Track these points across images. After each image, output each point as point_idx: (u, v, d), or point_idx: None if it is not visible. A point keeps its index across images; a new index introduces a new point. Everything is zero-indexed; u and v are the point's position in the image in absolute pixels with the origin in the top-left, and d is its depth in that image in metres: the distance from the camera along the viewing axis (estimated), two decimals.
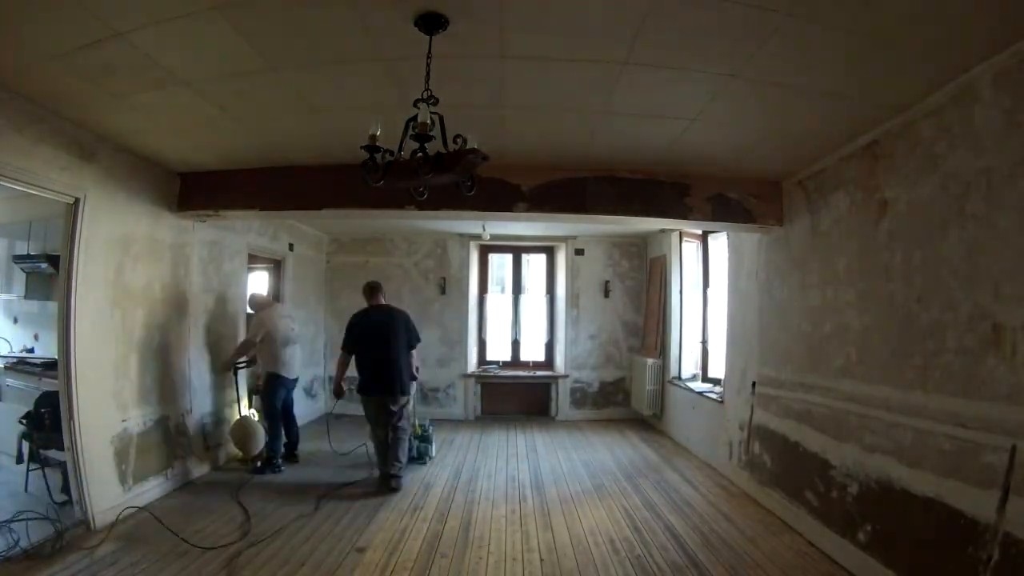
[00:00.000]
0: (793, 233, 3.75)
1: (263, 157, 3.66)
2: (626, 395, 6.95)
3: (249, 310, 4.97)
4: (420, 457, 4.88)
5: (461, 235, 7.00)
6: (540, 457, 5.16)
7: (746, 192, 3.86)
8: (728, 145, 3.26)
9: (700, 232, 5.73)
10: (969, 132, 2.26)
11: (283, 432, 4.64)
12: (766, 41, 2.06)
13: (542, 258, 7.48)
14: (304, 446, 5.03)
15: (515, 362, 7.31)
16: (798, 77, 2.34)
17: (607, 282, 7.05)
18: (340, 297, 7.15)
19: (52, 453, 3.53)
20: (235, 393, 4.73)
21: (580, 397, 6.98)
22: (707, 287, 5.75)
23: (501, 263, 7.66)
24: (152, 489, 3.71)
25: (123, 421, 3.51)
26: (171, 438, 3.99)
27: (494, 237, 6.77)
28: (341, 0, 1.89)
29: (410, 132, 1.99)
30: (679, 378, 5.93)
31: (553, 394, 7.00)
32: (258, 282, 6.43)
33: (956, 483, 2.23)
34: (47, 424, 3.50)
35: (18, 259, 4.82)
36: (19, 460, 3.67)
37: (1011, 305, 2.04)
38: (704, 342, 5.77)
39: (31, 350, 4.99)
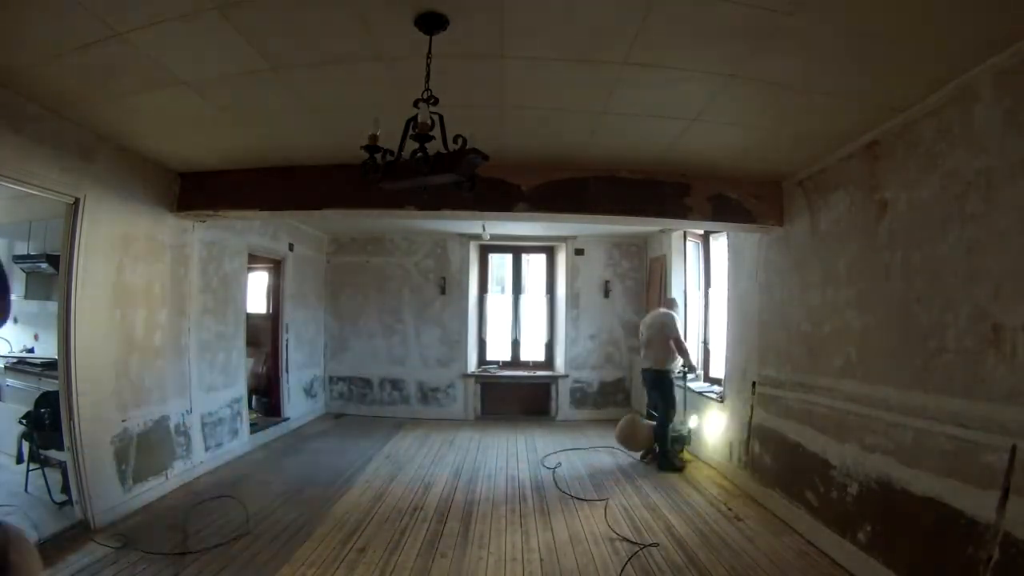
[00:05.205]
0: (793, 233, 3.75)
1: (263, 157, 3.66)
2: (626, 395, 6.95)
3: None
4: None
5: (461, 235, 7.00)
6: (540, 457, 5.16)
7: (746, 192, 3.86)
8: (728, 145, 3.25)
9: (702, 231, 5.73)
10: (969, 132, 2.25)
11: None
12: (766, 41, 2.06)
13: (542, 258, 7.48)
14: (306, 446, 5.03)
15: (515, 362, 7.32)
16: (798, 77, 2.34)
17: (607, 282, 7.06)
18: (340, 297, 7.17)
19: (52, 453, 3.53)
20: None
21: (580, 397, 6.98)
22: (708, 287, 5.75)
23: (501, 263, 7.67)
24: (152, 489, 3.71)
25: (123, 421, 3.51)
26: (171, 438, 3.99)
27: (494, 237, 6.78)
28: (341, 0, 1.89)
29: (410, 132, 1.99)
30: (680, 378, 5.91)
31: (553, 394, 7.00)
32: (258, 282, 6.44)
33: (956, 483, 2.23)
34: (47, 424, 3.50)
35: (18, 259, 4.83)
36: (19, 460, 3.68)
37: (1011, 305, 2.04)
38: (705, 342, 5.77)
39: (31, 350, 4.99)
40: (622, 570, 2.89)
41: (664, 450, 4.75)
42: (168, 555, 2.88)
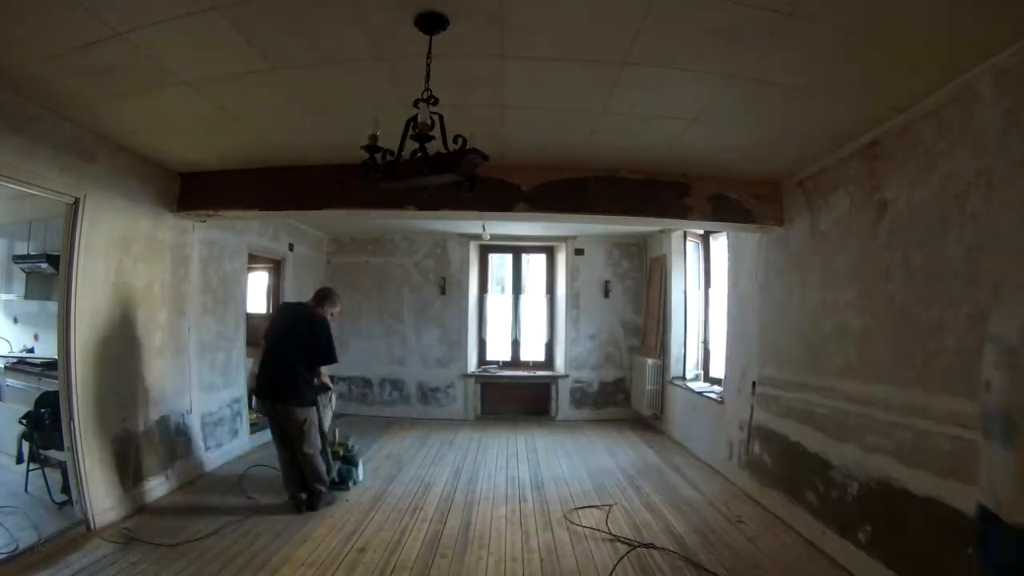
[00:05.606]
0: (793, 233, 3.75)
1: (263, 157, 3.66)
2: (626, 395, 6.94)
3: None
4: (343, 482, 4.03)
5: (461, 235, 7.00)
6: (540, 457, 5.16)
7: (746, 192, 3.86)
8: (728, 145, 3.25)
9: (702, 231, 5.74)
10: (969, 132, 2.25)
11: None
12: (766, 41, 2.06)
13: (542, 258, 7.47)
14: None
15: (515, 362, 7.31)
16: (798, 77, 2.34)
17: (607, 282, 7.05)
18: (340, 297, 7.14)
19: (52, 453, 3.53)
20: None
21: (580, 397, 6.98)
22: (708, 287, 5.76)
23: (501, 263, 7.66)
24: (152, 489, 3.71)
25: (123, 421, 3.51)
26: (171, 438, 3.99)
27: (494, 237, 6.77)
28: (341, 0, 1.89)
29: (410, 132, 1.99)
30: (681, 378, 5.93)
31: (553, 394, 7.00)
32: (258, 282, 6.43)
33: (956, 483, 2.23)
34: (47, 424, 3.51)
35: (18, 259, 4.83)
36: (19, 460, 3.67)
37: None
38: (705, 342, 5.78)
39: (31, 350, 5.00)
40: (614, 569, 2.89)
41: None
42: (167, 556, 2.89)
